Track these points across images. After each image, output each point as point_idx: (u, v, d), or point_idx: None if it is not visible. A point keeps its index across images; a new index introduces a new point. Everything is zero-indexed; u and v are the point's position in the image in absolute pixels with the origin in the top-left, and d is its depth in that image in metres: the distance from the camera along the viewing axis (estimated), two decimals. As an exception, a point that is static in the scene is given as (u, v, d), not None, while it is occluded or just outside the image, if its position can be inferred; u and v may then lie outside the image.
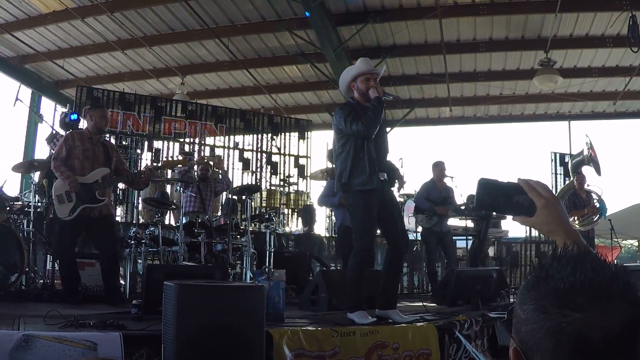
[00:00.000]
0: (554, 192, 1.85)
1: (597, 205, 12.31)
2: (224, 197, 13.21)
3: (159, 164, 12.74)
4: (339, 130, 6.96)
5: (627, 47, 12.27)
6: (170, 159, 14.05)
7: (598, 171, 12.50)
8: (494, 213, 11.01)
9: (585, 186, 12.61)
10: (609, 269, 1.27)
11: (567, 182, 16.69)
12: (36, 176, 9.91)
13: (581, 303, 1.20)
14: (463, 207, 12.04)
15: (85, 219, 8.07)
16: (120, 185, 11.51)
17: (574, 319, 1.20)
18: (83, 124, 11.32)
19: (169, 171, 12.56)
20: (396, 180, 7.42)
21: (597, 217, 12.19)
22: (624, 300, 1.22)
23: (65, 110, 13.28)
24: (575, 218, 12.03)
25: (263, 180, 16.11)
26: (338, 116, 6.90)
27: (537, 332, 1.25)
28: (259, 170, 16.30)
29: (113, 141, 13.71)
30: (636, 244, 21.56)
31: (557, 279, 1.26)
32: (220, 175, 12.54)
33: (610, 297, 1.21)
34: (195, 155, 14.52)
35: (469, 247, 13.15)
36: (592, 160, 12.43)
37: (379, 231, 7.59)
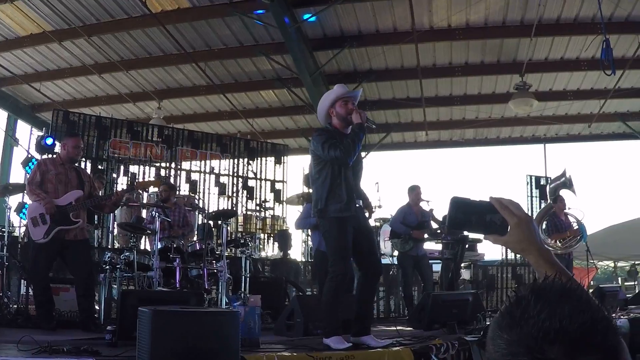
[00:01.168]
0: (527, 213, 1.80)
1: (578, 227, 12.34)
2: (199, 222, 13.15)
3: (131, 187, 12.71)
4: (316, 157, 6.90)
5: (602, 70, 12.41)
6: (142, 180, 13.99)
7: (575, 193, 12.58)
8: (466, 232, 11.02)
9: (566, 210, 12.64)
10: (589, 312, 1.20)
11: (542, 204, 16.82)
12: (11, 200, 9.87)
13: (553, 358, 1.16)
14: (439, 231, 12.07)
15: (60, 242, 8.03)
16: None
17: None
18: (59, 147, 11.29)
19: (145, 195, 12.52)
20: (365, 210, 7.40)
21: (577, 241, 12.22)
22: (599, 351, 1.17)
23: (41, 133, 13.24)
24: (557, 241, 12.05)
25: (239, 205, 16.10)
26: (315, 142, 6.84)
27: None
28: (235, 195, 16.28)
29: (90, 164, 13.77)
30: (612, 265, 21.71)
31: (531, 324, 1.19)
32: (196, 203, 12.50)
33: (585, 350, 1.16)
34: (171, 179, 14.53)
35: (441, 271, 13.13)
36: (572, 184, 12.50)
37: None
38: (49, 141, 12.03)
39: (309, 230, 12.13)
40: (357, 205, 6.88)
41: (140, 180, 14.13)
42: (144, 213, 12.61)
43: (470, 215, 1.82)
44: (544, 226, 12.28)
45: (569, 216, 12.52)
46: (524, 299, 1.26)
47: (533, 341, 1.18)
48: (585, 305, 1.22)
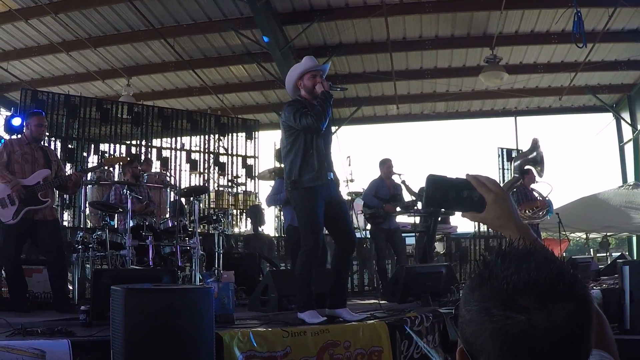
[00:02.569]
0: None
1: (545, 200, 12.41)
2: (171, 199, 13.06)
3: (99, 163, 12.57)
4: (289, 127, 6.89)
5: (572, 43, 12.44)
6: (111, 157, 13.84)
7: (541, 173, 12.63)
8: (444, 210, 11.05)
9: (532, 185, 12.68)
10: (554, 266, 1.23)
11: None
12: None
13: (525, 305, 1.18)
14: (411, 204, 12.10)
15: (30, 222, 7.94)
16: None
17: (518, 321, 1.17)
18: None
19: (116, 173, 12.41)
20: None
21: (543, 213, 12.29)
22: (569, 299, 1.20)
23: (9, 114, 13.08)
24: (527, 210, 12.10)
25: (211, 181, 16.04)
26: (287, 112, 6.82)
27: (481, 333, 1.22)
28: (206, 171, 16.20)
29: (60, 143, 13.62)
30: (584, 236, 21.83)
31: (501, 278, 1.22)
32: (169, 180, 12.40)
33: (555, 297, 1.19)
34: (142, 157, 14.40)
35: (415, 244, 13.18)
36: (543, 161, 12.55)
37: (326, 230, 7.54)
38: (17, 121, 11.85)
39: (281, 206, 12.13)
40: (329, 176, 6.88)
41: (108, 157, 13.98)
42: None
43: (447, 192, 1.81)
44: (513, 197, 12.31)
45: (534, 192, 12.57)
46: (491, 262, 1.28)
47: (504, 294, 1.21)
48: (550, 260, 1.26)
